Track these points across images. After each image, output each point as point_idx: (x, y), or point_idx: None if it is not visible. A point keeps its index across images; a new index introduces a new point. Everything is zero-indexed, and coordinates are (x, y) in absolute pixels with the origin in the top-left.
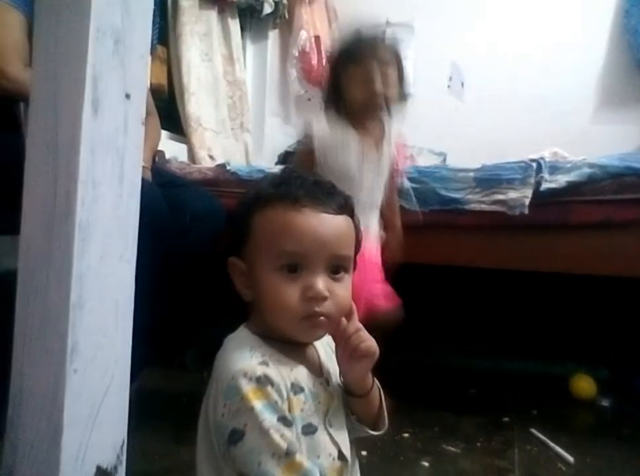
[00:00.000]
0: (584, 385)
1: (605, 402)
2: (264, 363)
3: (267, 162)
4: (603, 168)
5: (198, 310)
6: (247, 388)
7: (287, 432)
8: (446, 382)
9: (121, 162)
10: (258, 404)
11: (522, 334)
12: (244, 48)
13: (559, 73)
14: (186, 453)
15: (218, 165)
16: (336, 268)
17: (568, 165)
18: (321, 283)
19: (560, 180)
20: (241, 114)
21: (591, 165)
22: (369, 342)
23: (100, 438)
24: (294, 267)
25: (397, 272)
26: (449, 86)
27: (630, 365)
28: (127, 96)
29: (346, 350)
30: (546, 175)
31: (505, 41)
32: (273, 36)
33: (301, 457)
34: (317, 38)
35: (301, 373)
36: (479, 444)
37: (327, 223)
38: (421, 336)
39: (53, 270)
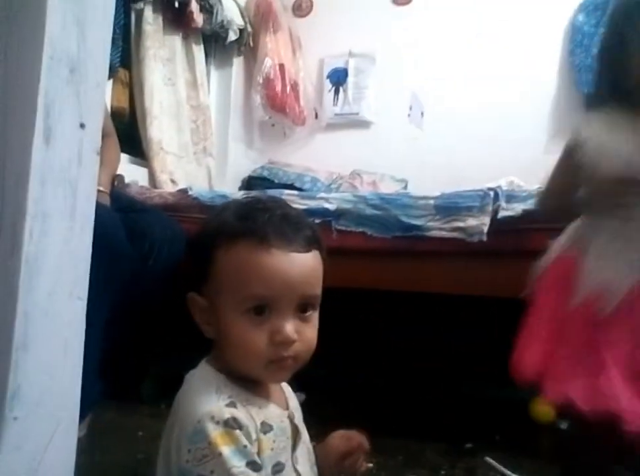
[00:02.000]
0: (543, 409)
1: (564, 426)
2: (232, 404)
3: (230, 187)
4: None
5: (155, 339)
6: (215, 433)
7: None
8: (410, 407)
9: (73, 194)
10: (226, 449)
11: (481, 358)
12: (208, 74)
13: (514, 105)
14: None
15: (180, 190)
16: (305, 307)
17: (524, 194)
18: (290, 326)
19: (517, 208)
20: (204, 139)
21: None
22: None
23: None
24: (261, 309)
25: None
26: (409, 116)
27: None
28: (82, 125)
29: (352, 465)
30: (503, 203)
31: (463, 73)
32: (237, 62)
33: None
34: (281, 66)
35: (269, 411)
36: (443, 472)
37: (296, 263)
38: (384, 362)
39: None
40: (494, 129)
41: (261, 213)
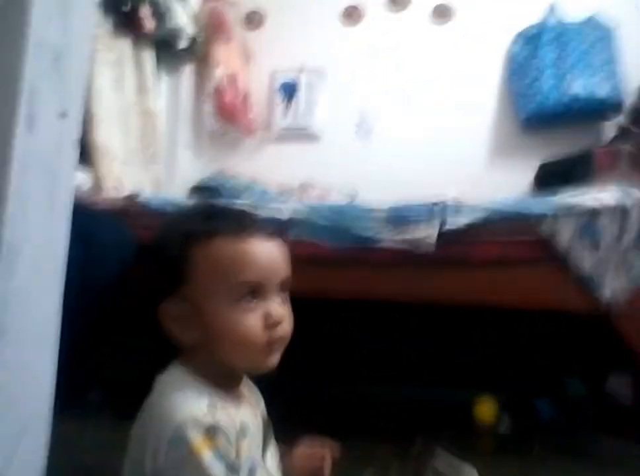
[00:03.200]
0: (485, 411)
1: (504, 426)
2: (213, 408)
3: (178, 195)
4: (498, 212)
5: (103, 348)
6: (196, 438)
7: None
8: (358, 412)
9: (53, 183)
10: (206, 454)
11: (429, 363)
12: (158, 80)
13: (457, 126)
14: None
15: (128, 195)
16: (283, 289)
17: (468, 208)
18: (279, 308)
19: (461, 221)
20: (152, 146)
21: (487, 209)
22: None
23: None
24: (252, 294)
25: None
26: (357, 132)
27: (526, 391)
28: (64, 114)
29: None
30: (449, 216)
31: (411, 91)
32: (188, 70)
33: None
34: (233, 76)
35: (245, 412)
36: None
37: (274, 249)
38: (330, 369)
39: None
40: (438, 147)
41: (227, 212)
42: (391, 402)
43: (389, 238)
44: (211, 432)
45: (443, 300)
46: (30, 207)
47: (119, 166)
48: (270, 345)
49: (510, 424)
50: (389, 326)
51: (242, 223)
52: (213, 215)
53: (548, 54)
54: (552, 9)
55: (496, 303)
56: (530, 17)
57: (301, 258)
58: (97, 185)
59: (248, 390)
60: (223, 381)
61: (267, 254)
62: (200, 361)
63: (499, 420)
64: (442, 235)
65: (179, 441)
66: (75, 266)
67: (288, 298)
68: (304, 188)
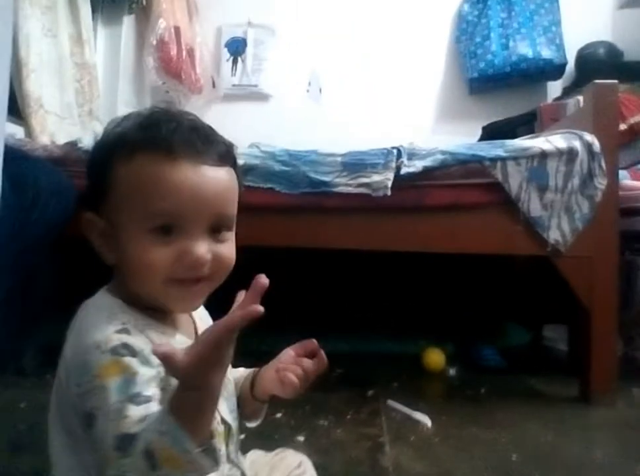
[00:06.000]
0: (434, 358)
1: (452, 372)
2: (124, 331)
3: None
4: (454, 155)
5: (38, 305)
6: (100, 363)
7: (135, 411)
8: None
9: None
10: (110, 382)
11: (377, 315)
12: (95, 31)
13: (405, 86)
14: (26, 462)
15: (68, 143)
16: (218, 228)
17: (424, 152)
18: (202, 246)
19: (417, 164)
20: (90, 101)
21: (443, 152)
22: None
23: None
24: (168, 229)
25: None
26: (308, 91)
27: (470, 338)
28: None
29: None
30: (405, 160)
31: (362, 50)
32: (128, 21)
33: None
34: (177, 28)
35: (176, 340)
36: (348, 416)
37: (207, 177)
38: (283, 321)
39: None
40: (386, 108)
41: (167, 123)
42: (343, 355)
43: (345, 182)
44: (118, 353)
45: (396, 247)
46: None
47: (54, 121)
48: (180, 283)
49: (458, 371)
50: (343, 275)
51: (176, 140)
52: (151, 125)
53: (497, 14)
54: None
55: (449, 249)
56: None
57: (256, 206)
58: (31, 138)
59: (188, 322)
60: (148, 308)
61: (195, 182)
62: (123, 286)
63: (447, 368)
64: (399, 179)
65: (84, 367)
66: (10, 213)
67: (228, 236)
68: (253, 148)
